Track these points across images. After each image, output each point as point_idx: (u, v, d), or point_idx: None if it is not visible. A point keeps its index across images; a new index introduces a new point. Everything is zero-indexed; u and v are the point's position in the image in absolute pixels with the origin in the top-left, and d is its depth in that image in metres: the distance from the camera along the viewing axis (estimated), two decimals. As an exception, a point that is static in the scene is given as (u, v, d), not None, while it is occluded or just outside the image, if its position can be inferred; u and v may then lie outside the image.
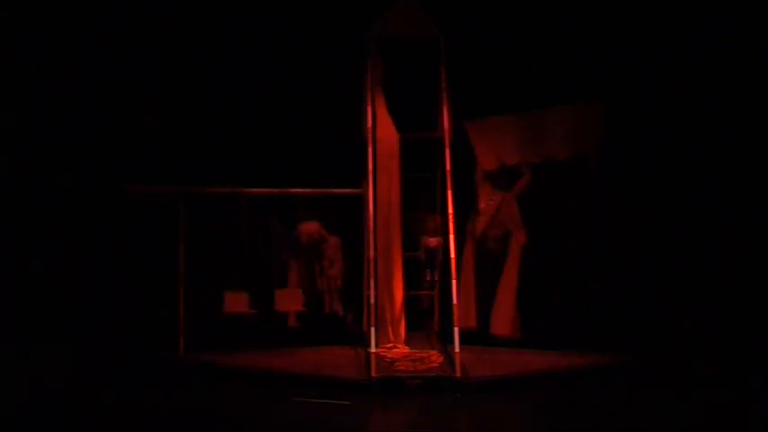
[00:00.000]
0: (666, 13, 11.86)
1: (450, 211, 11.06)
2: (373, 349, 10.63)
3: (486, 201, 12.16)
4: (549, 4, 12.47)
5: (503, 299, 12.02)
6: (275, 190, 11.97)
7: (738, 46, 11.61)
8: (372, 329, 10.81)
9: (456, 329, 10.55)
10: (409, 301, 11.54)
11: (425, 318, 12.10)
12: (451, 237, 10.95)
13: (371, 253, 11.15)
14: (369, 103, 11.41)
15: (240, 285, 11.82)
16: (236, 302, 11.70)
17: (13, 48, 12.03)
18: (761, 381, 10.54)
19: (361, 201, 11.79)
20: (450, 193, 11.09)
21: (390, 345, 11.14)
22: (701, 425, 9.16)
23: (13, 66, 12.03)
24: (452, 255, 10.89)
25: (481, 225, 12.13)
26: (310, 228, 12.02)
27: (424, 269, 12.01)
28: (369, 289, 11.09)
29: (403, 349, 11.08)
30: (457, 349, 10.42)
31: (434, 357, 10.79)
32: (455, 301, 10.73)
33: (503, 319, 11.97)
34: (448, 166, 11.18)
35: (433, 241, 11.95)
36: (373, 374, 10.28)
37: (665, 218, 11.96)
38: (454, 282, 10.79)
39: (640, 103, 12.10)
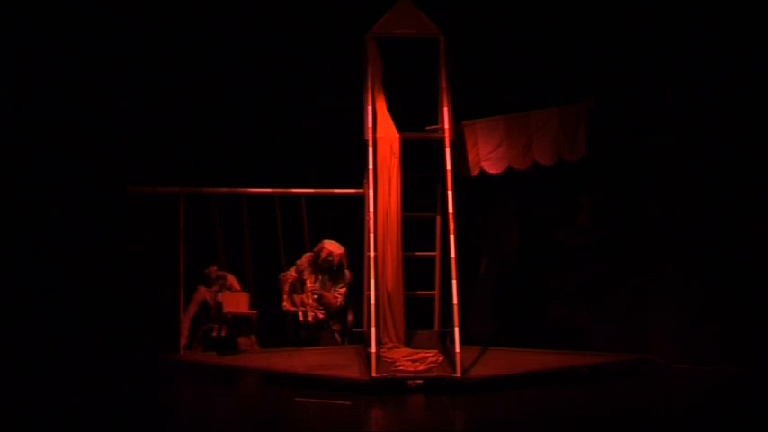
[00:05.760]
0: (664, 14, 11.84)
1: (451, 211, 11.05)
2: (373, 349, 10.61)
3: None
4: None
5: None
6: (277, 190, 11.98)
7: (728, 48, 11.60)
8: (372, 329, 10.79)
9: (456, 329, 10.54)
10: (409, 302, 11.53)
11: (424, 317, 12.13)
12: (452, 236, 10.93)
13: (371, 253, 11.14)
14: (369, 102, 11.41)
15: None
16: (237, 302, 11.69)
17: (13, 47, 12.05)
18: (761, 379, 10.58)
19: (362, 201, 11.79)
20: (450, 192, 11.08)
21: (390, 345, 11.13)
22: (701, 424, 9.16)
23: (13, 65, 12.05)
24: (453, 254, 10.87)
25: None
26: (335, 251, 11.93)
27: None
28: (369, 289, 11.08)
29: (403, 349, 11.07)
30: (457, 349, 10.41)
31: (434, 357, 10.78)
32: (455, 300, 10.71)
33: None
34: (448, 166, 11.17)
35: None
36: (373, 374, 10.27)
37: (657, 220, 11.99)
38: (454, 282, 10.77)
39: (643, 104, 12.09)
